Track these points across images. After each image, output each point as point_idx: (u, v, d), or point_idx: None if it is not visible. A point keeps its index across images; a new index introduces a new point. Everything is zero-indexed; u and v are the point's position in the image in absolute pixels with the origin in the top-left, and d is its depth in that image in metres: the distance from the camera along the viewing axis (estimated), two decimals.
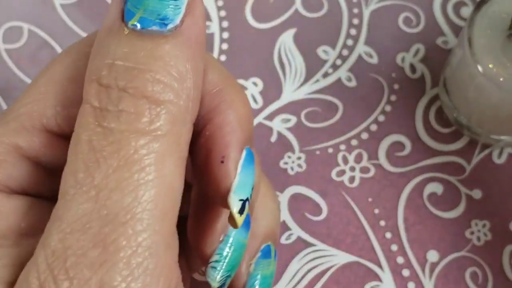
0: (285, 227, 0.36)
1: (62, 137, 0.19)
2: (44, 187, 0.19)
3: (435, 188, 0.36)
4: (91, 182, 0.15)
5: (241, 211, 0.18)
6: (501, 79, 0.31)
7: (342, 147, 0.37)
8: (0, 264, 0.17)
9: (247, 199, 0.19)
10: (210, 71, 0.20)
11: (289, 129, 0.37)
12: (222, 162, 0.19)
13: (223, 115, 0.19)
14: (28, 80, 0.39)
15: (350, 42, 0.39)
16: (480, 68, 0.31)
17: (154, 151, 0.15)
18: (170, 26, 0.16)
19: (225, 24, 0.40)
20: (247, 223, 0.21)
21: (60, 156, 0.19)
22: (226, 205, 0.19)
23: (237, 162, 0.19)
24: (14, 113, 0.19)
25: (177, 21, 0.16)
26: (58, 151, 0.19)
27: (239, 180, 0.19)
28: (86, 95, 0.16)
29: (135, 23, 0.16)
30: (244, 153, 0.19)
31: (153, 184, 0.15)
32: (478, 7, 0.32)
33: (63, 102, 0.18)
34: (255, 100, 0.38)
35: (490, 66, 0.31)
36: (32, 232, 0.18)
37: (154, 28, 0.16)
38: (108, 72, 0.16)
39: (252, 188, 0.19)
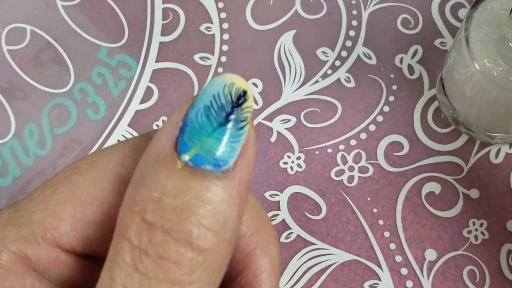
0: (284, 226, 0.36)
1: (72, 254, 0.18)
2: None
3: (433, 187, 0.36)
4: None
5: None
6: (495, 75, 0.31)
7: (341, 147, 0.37)
8: None
9: None
10: (246, 210, 0.19)
11: (288, 129, 0.38)
12: None
13: (259, 262, 0.19)
14: (31, 81, 0.40)
15: (349, 43, 0.39)
16: (476, 64, 0.31)
17: None
18: (223, 168, 0.16)
19: (225, 25, 0.40)
20: None
21: (67, 274, 0.18)
22: None
23: None
24: (27, 217, 0.18)
25: (231, 162, 0.16)
26: (66, 268, 0.18)
27: None
28: (126, 228, 0.15)
29: (189, 158, 0.15)
30: None
31: None
32: (475, 4, 0.32)
33: (81, 223, 0.18)
34: (255, 101, 0.38)
35: (485, 61, 0.31)
36: None
37: (208, 167, 0.15)
38: (155, 209, 0.15)
39: None
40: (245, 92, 0.16)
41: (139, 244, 0.15)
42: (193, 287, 0.15)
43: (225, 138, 0.16)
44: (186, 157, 0.15)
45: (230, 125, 0.16)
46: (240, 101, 0.16)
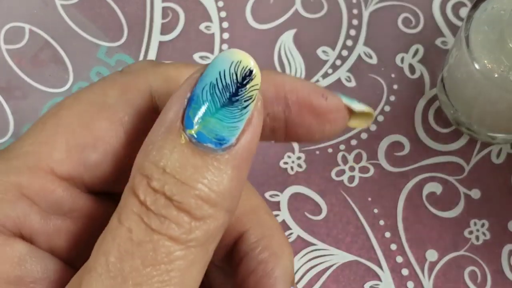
0: (285, 227, 0.36)
1: (67, 181, 0.19)
2: (43, 235, 0.19)
3: (434, 187, 0.36)
4: (120, 270, 0.16)
5: None
6: (495, 75, 0.31)
7: (342, 147, 0.37)
8: None
9: None
10: (262, 212, 0.21)
11: None
12: None
13: (271, 272, 0.21)
14: (30, 80, 0.40)
15: (349, 42, 0.39)
16: (476, 65, 0.31)
17: (183, 259, 0.16)
18: (224, 146, 0.16)
19: (225, 24, 0.40)
20: None
21: (62, 202, 0.19)
22: None
23: None
24: (17, 151, 0.18)
25: (233, 140, 0.16)
26: (62, 196, 0.19)
27: None
28: (136, 185, 0.16)
29: (193, 134, 0.16)
30: None
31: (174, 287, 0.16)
32: (476, 4, 0.32)
33: (75, 149, 0.18)
34: None
35: (486, 62, 0.31)
36: (28, 282, 0.18)
37: (209, 145, 0.16)
38: (159, 178, 0.16)
39: None
40: (251, 72, 0.16)
41: (145, 203, 0.16)
42: (190, 244, 0.16)
43: (228, 119, 0.16)
44: (190, 132, 0.16)
45: (233, 106, 0.16)
46: (245, 81, 0.16)
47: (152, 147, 0.17)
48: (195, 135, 0.16)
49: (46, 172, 0.18)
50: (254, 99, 0.16)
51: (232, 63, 0.16)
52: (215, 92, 0.16)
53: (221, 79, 0.16)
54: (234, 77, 0.16)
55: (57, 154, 0.18)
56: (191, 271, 0.17)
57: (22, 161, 0.18)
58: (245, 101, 0.16)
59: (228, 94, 0.16)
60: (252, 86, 0.16)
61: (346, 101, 0.20)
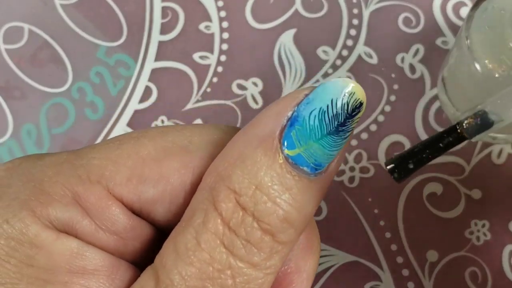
0: None
1: (119, 203, 0.19)
2: (91, 237, 0.19)
3: (434, 188, 0.36)
4: None
5: None
6: (496, 75, 0.31)
7: None
8: None
9: None
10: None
11: None
12: None
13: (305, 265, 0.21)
14: (29, 80, 0.39)
15: (350, 42, 0.39)
16: (477, 65, 0.31)
17: (260, 285, 0.16)
18: (318, 171, 0.17)
19: (225, 24, 0.40)
20: None
21: (115, 220, 0.18)
22: None
23: None
24: (85, 160, 0.18)
25: (325, 166, 0.17)
26: (115, 213, 0.18)
27: None
28: (222, 199, 0.16)
29: (292, 155, 0.16)
30: None
31: None
32: (476, 4, 0.32)
33: (137, 179, 0.18)
34: (255, 100, 0.38)
35: (486, 62, 0.31)
36: (91, 270, 0.18)
37: (305, 169, 0.16)
38: (251, 196, 0.16)
39: None
40: (361, 104, 0.16)
41: (229, 222, 0.16)
42: (268, 271, 0.16)
43: (330, 147, 0.16)
44: (289, 153, 0.16)
45: (338, 135, 0.16)
46: (354, 113, 0.16)
47: (243, 159, 0.16)
48: (291, 158, 0.16)
49: (104, 189, 0.18)
50: (353, 131, 0.17)
51: (345, 93, 0.16)
52: (324, 119, 0.16)
53: (332, 107, 0.16)
54: (346, 107, 0.16)
55: (119, 177, 0.18)
56: None
57: (86, 171, 0.18)
58: (347, 132, 0.17)
59: (336, 123, 0.16)
60: (358, 117, 0.17)
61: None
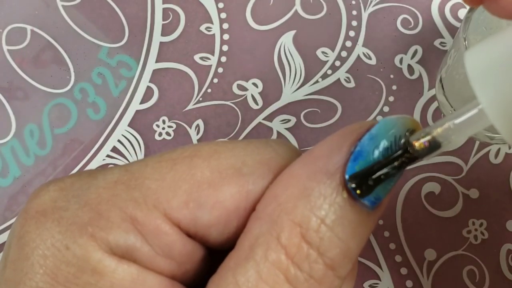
0: None
1: (176, 228, 0.18)
2: (149, 263, 0.19)
3: (432, 187, 0.36)
4: None
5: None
6: None
7: None
8: None
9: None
10: None
11: (289, 129, 0.38)
12: None
13: None
14: (31, 81, 0.40)
15: (349, 43, 0.39)
16: None
17: None
18: (375, 205, 0.17)
19: (225, 25, 0.40)
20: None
21: (173, 246, 0.18)
22: None
23: None
24: (139, 181, 0.18)
25: (382, 200, 0.17)
26: (174, 240, 0.18)
27: None
28: (287, 233, 0.16)
29: (356, 192, 0.16)
30: None
31: None
32: None
33: (193, 203, 0.18)
34: (255, 101, 0.38)
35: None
36: None
37: (366, 203, 0.16)
38: (316, 231, 0.16)
39: None
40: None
41: (293, 256, 0.16)
42: None
43: (391, 182, 0.17)
44: (351, 186, 0.16)
45: (399, 170, 0.17)
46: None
47: (308, 193, 0.16)
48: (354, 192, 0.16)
49: (161, 214, 0.18)
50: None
51: (408, 130, 0.17)
52: (387, 154, 0.16)
53: (395, 143, 0.17)
54: (406, 145, 0.17)
55: (175, 202, 0.18)
56: None
57: (142, 195, 0.18)
58: (403, 167, 0.17)
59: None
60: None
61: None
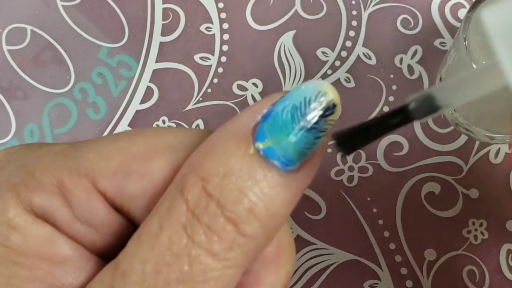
0: None
1: (101, 197, 0.19)
2: (68, 228, 0.19)
3: (432, 187, 0.36)
4: (155, 282, 0.16)
5: None
6: None
7: None
8: (21, 277, 0.17)
9: None
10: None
11: None
12: None
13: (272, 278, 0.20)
14: (31, 81, 0.40)
15: (349, 43, 0.39)
16: (474, 66, 0.31)
17: (217, 280, 0.16)
18: (288, 168, 0.16)
19: (225, 25, 0.40)
20: None
21: (95, 214, 0.19)
22: None
23: None
24: (79, 153, 0.19)
25: (297, 166, 0.17)
26: (96, 208, 0.19)
27: None
28: (186, 188, 0.16)
29: (262, 148, 0.16)
30: None
31: None
32: (474, 5, 0.32)
33: (122, 173, 0.18)
34: (255, 101, 0.38)
35: (484, 63, 0.31)
36: (60, 259, 0.18)
37: (276, 163, 0.16)
38: (218, 183, 0.16)
39: None
40: (334, 106, 0.17)
41: (194, 209, 0.16)
42: (227, 263, 0.16)
43: (301, 143, 0.17)
44: (260, 146, 0.16)
45: (310, 132, 0.17)
46: (327, 113, 0.17)
47: (215, 149, 0.16)
48: (262, 150, 0.16)
49: (89, 182, 0.18)
50: (327, 133, 0.17)
51: (319, 92, 0.17)
52: (296, 114, 0.17)
53: (305, 103, 0.17)
54: (319, 106, 0.17)
55: (105, 171, 0.18)
56: None
57: (77, 163, 0.18)
58: (320, 131, 0.17)
59: (308, 119, 0.17)
60: (331, 119, 0.17)
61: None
